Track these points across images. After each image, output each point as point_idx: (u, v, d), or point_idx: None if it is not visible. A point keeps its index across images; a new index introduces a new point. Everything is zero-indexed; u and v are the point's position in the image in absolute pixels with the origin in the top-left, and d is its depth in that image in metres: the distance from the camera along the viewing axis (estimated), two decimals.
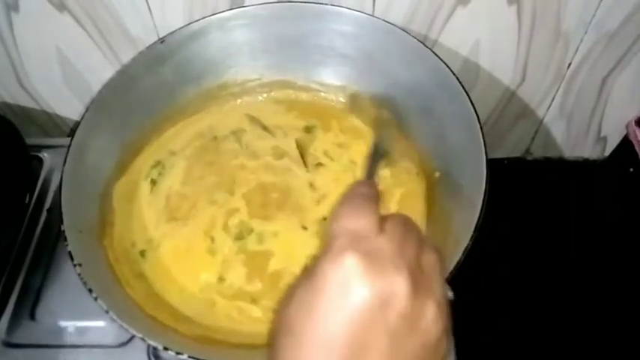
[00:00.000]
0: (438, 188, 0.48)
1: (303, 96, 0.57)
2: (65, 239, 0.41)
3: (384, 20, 0.51)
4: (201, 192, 0.51)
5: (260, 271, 0.47)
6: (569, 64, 0.60)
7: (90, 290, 0.39)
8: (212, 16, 0.52)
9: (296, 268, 0.46)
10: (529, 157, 0.73)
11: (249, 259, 0.47)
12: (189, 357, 0.37)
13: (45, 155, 0.59)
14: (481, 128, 0.44)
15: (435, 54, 0.49)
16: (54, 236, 0.53)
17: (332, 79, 0.56)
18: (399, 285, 0.25)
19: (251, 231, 0.49)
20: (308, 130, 0.55)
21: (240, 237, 0.48)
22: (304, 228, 0.49)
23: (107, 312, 0.38)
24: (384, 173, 0.51)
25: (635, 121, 0.66)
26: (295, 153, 0.53)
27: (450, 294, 0.29)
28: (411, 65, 0.51)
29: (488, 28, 0.56)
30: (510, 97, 0.64)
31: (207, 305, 0.45)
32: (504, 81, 0.62)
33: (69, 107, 0.66)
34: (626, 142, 0.68)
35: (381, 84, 0.53)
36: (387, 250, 0.26)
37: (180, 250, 0.48)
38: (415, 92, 0.51)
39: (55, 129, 0.69)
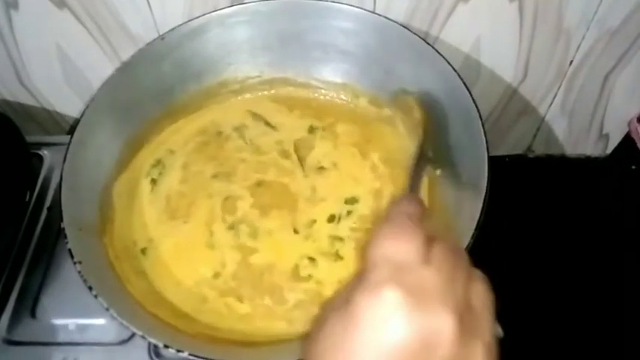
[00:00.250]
0: (439, 186, 0.48)
1: (304, 93, 0.56)
2: (65, 237, 0.41)
3: (385, 17, 0.51)
4: (201, 187, 0.51)
5: (247, 269, 0.47)
6: (571, 62, 0.60)
7: (90, 288, 0.39)
8: (212, 13, 0.52)
9: (283, 268, 0.46)
10: (531, 155, 0.72)
11: (241, 255, 0.47)
12: (190, 354, 0.37)
13: (45, 153, 0.59)
14: (483, 125, 0.44)
15: (437, 51, 0.49)
16: (54, 234, 0.53)
17: (333, 77, 0.55)
18: (444, 324, 0.23)
19: (247, 226, 0.49)
20: (311, 130, 0.55)
21: (235, 232, 0.48)
22: (296, 232, 0.48)
23: (107, 309, 0.38)
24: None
25: (638, 119, 0.66)
26: (295, 155, 0.53)
27: (500, 330, 0.26)
28: (412, 62, 0.50)
29: (490, 25, 0.56)
30: (512, 94, 0.64)
31: (199, 300, 0.45)
32: (506, 78, 0.62)
33: (69, 105, 0.66)
34: (628, 140, 0.68)
35: (382, 81, 0.53)
36: (433, 284, 0.24)
37: (180, 247, 0.48)
38: (416, 89, 0.51)
39: (55, 126, 0.68)
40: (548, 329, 0.59)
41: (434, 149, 0.49)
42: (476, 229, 0.39)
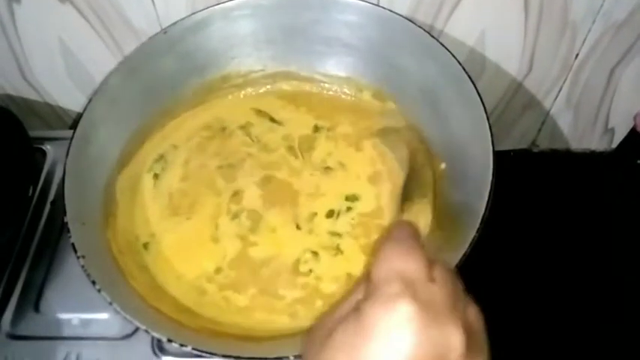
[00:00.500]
0: (444, 180, 0.48)
1: (308, 87, 0.56)
2: (68, 231, 0.41)
3: (389, 10, 0.51)
4: (205, 183, 0.51)
5: (247, 262, 0.47)
6: (577, 55, 0.59)
7: (93, 282, 0.39)
8: (215, 7, 0.52)
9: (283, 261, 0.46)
10: (535, 149, 0.72)
11: (241, 247, 0.48)
12: (193, 349, 0.37)
13: (48, 147, 0.59)
14: (488, 119, 0.44)
15: (442, 44, 0.48)
16: (57, 228, 0.53)
17: (336, 70, 0.55)
18: (455, 339, 0.24)
19: (250, 220, 0.49)
20: (316, 129, 0.54)
21: (238, 224, 0.48)
22: (298, 227, 0.48)
23: (111, 304, 0.38)
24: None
25: None
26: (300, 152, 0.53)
27: None
28: (417, 56, 0.50)
29: (495, 18, 0.56)
30: (517, 88, 0.63)
31: (199, 294, 0.45)
32: (511, 72, 0.61)
33: (71, 99, 0.65)
34: (633, 134, 0.67)
35: (386, 75, 0.53)
36: (442, 300, 0.25)
37: (183, 241, 0.48)
38: (421, 83, 0.50)
39: (57, 121, 0.68)
40: (555, 321, 0.59)
41: (437, 145, 0.49)
42: (481, 223, 0.39)
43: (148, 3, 0.54)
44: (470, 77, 0.46)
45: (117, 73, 0.50)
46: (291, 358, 0.35)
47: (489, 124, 0.44)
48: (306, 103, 0.56)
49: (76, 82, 0.63)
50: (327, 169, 0.52)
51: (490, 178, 0.41)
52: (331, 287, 0.45)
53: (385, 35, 0.51)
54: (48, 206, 0.55)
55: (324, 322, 0.28)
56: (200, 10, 0.52)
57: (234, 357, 0.36)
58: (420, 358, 0.23)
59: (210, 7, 0.52)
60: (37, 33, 0.57)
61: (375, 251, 0.28)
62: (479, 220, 0.39)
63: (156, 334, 0.37)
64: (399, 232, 0.29)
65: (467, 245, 0.38)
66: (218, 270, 0.47)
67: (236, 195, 0.50)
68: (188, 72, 0.54)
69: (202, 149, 0.53)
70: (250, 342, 0.42)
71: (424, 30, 0.49)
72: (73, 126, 0.50)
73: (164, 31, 0.51)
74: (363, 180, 0.51)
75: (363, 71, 0.54)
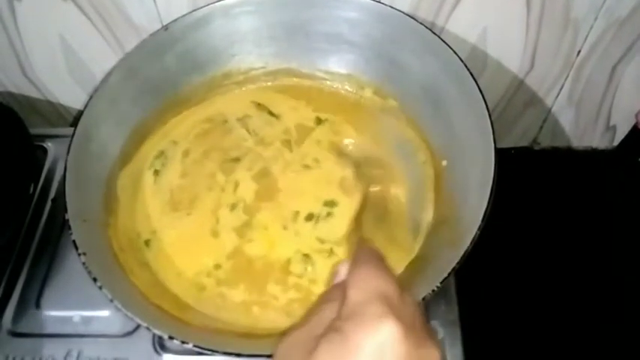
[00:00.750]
0: (445, 177, 0.48)
1: (309, 84, 0.56)
2: (70, 228, 0.41)
3: (390, 7, 0.51)
4: (203, 178, 0.51)
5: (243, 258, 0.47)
6: (579, 52, 0.59)
7: (94, 279, 0.39)
8: (216, 4, 0.52)
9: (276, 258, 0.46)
10: (537, 147, 0.72)
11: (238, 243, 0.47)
12: (195, 346, 0.37)
13: (49, 145, 0.59)
14: (490, 116, 0.44)
15: (443, 41, 0.48)
16: (59, 226, 0.53)
17: (337, 67, 0.55)
18: (434, 356, 0.26)
19: (246, 215, 0.49)
20: (319, 121, 0.54)
21: (235, 217, 0.48)
22: (284, 228, 0.48)
23: (112, 301, 0.38)
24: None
25: None
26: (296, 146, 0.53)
27: None
28: (418, 52, 0.50)
29: (496, 14, 0.55)
30: (518, 85, 0.63)
31: (198, 289, 0.45)
32: (512, 69, 0.61)
33: (72, 97, 0.65)
34: (635, 132, 0.67)
35: (387, 71, 0.53)
36: (418, 318, 0.27)
37: (184, 237, 0.48)
38: (422, 80, 0.50)
39: (58, 119, 0.68)
40: (554, 321, 0.59)
41: (438, 143, 0.49)
42: (482, 220, 0.39)
43: (149, 0, 0.54)
44: (472, 74, 0.46)
45: (118, 70, 0.50)
46: None
47: (491, 121, 0.44)
48: (306, 97, 0.55)
49: (77, 80, 0.63)
50: (306, 166, 0.51)
51: (492, 175, 0.41)
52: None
53: (386, 32, 0.51)
54: (49, 204, 0.55)
55: (298, 339, 0.28)
56: (201, 7, 0.52)
57: (235, 354, 0.36)
58: None
59: (211, 4, 0.52)
60: (37, 30, 0.57)
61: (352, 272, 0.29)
62: (480, 218, 0.39)
63: (157, 332, 0.37)
64: (366, 255, 0.30)
65: (468, 243, 0.38)
66: (217, 266, 0.47)
67: (235, 189, 0.50)
68: (189, 69, 0.54)
69: (201, 141, 0.53)
70: (251, 339, 0.42)
71: (426, 27, 0.49)
72: (74, 123, 0.50)
73: (165, 28, 0.51)
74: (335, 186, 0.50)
75: (365, 68, 0.54)
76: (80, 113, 0.48)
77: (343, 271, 0.31)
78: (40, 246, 0.52)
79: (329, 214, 0.48)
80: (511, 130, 0.70)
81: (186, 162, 0.52)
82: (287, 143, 0.53)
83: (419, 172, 0.50)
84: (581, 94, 0.64)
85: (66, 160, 0.45)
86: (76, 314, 0.48)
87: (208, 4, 0.52)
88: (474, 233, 0.39)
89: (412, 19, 0.50)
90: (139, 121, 0.52)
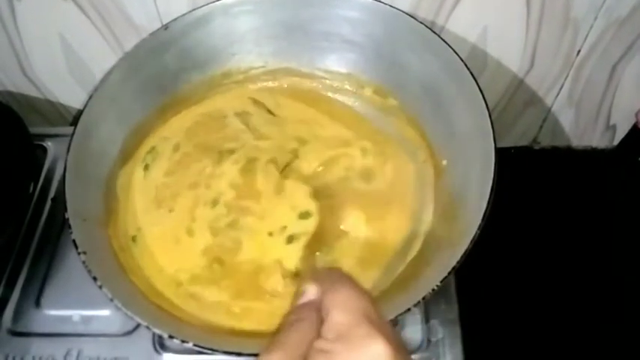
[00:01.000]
0: (445, 176, 0.48)
1: (308, 84, 0.56)
2: (69, 227, 0.41)
3: (390, 6, 0.51)
4: (188, 174, 0.50)
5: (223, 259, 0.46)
6: (579, 51, 0.59)
7: (94, 278, 0.39)
8: (216, 3, 0.52)
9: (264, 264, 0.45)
10: (536, 147, 0.72)
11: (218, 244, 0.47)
12: (195, 345, 0.37)
13: (49, 144, 0.59)
14: (490, 115, 0.44)
15: (443, 40, 0.48)
16: (58, 225, 0.53)
17: (337, 67, 0.55)
18: None
19: (228, 215, 0.48)
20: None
21: (216, 217, 0.48)
22: (270, 234, 0.47)
23: (112, 300, 0.38)
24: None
25: None
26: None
27: None
28: (418, 52, 0.50)
29: (496, 14, 0.55)
30: (518, 84, 0.63)
31: (176, 286, 0.45)
32: (512, 68, 0.61)
33: (72, 96, 0.65)
34: (635, 131, 0.67)
35: (387, 71, 0.53)
36: (398, 336, 0.29)
37: (165, 234, 0.48)
38: (422, 79, 0.50)
39: (58, 118, 0.68)
40: (554, 320, 0.59)
41: (438, 142, 0.49)
42: (482, 220, 0.39)
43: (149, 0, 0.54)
44: (472, 74, 0.46)
45: (117, 69, 0.50)
46: None
47: (491, 120, 0.44)
48: (306, 100, 0.55)
49: (76, 79, 0.63)
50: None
51: (492, 175, 0.41)
52: None
53: (386, 31, 0.51)
54: (49, 203, 0.55)
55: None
56: (201, 6, 0.52)
57: (236, 353, 0.36)
58: None
59: (211, 3, 0.52)
60: (37, 29, 0.57)
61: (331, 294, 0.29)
62: (480, 217, 0.39)
63: (157, 331, 0.37)
64: (339, 275, 0.30)
65: (468, 242, 0.38)
66: (192, 264, 0.46)
67: (217, 186, 0.49)
68: (189, 68, 0.54)
69: (193, 134, 0.53)
70: (251, 338, 0.42)
71: (426, 26, 0.49)
72: (74, 122, 0.50)
73: (165, 27, 0.51)
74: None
75: (364, 67, 0.54)
76: (80, 112, 0.48)
77: (312, 291, 0.30)
78: (39, 245, 0.52)
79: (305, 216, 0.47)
80: (511, 130, 0.70)
81: (175, 157, 0.52)
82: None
83: (419, 172, 0.50)
84: (581, 93, 0.64)
85: (66, 160, 0.45)
86: (75, 313, 0.48)
87: (208, 4, 0.52)
88: (473, 232, 0.39)
89: (412, 19, 0.50)
90: (139, 120, 0.52)
